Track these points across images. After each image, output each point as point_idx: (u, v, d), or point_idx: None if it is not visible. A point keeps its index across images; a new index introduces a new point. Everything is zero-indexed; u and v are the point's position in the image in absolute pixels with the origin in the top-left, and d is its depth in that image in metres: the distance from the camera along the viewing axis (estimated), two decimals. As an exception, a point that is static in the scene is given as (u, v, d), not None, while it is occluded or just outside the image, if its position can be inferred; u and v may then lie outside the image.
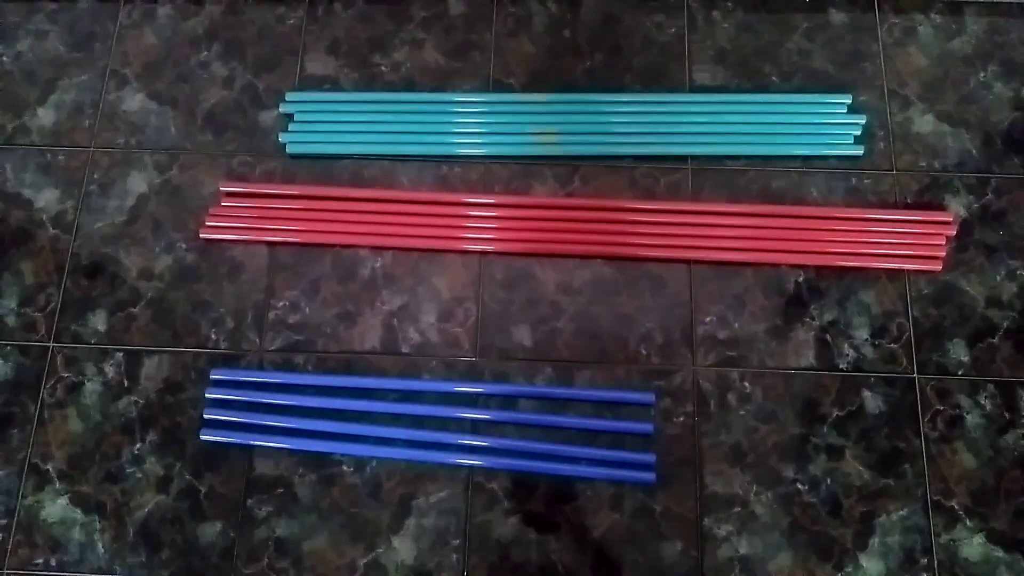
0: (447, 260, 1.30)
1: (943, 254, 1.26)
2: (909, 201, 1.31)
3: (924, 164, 1.33)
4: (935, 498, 1.17)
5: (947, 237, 1.27)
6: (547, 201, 1.32)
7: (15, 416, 1.23)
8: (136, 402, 1.23)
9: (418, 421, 1.21)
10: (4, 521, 1.19)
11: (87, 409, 1.23)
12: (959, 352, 1.23)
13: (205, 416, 1.22)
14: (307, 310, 1.27)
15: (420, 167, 1.35)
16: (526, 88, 1.39)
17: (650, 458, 1.17)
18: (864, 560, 1.14)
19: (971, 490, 1.17)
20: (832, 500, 1.17)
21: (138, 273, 1.30)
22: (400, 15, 1.44)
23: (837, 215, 1.29)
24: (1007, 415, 1.20)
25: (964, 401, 1.21)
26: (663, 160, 1.34)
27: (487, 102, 1.37)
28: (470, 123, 1.36)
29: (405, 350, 1.25)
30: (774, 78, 1.39)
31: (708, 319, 1.26)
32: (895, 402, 1.21)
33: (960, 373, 1.22)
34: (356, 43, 1.43)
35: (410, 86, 1.40)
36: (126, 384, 1.24)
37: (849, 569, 1.14)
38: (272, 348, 1.26)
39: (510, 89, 1.39)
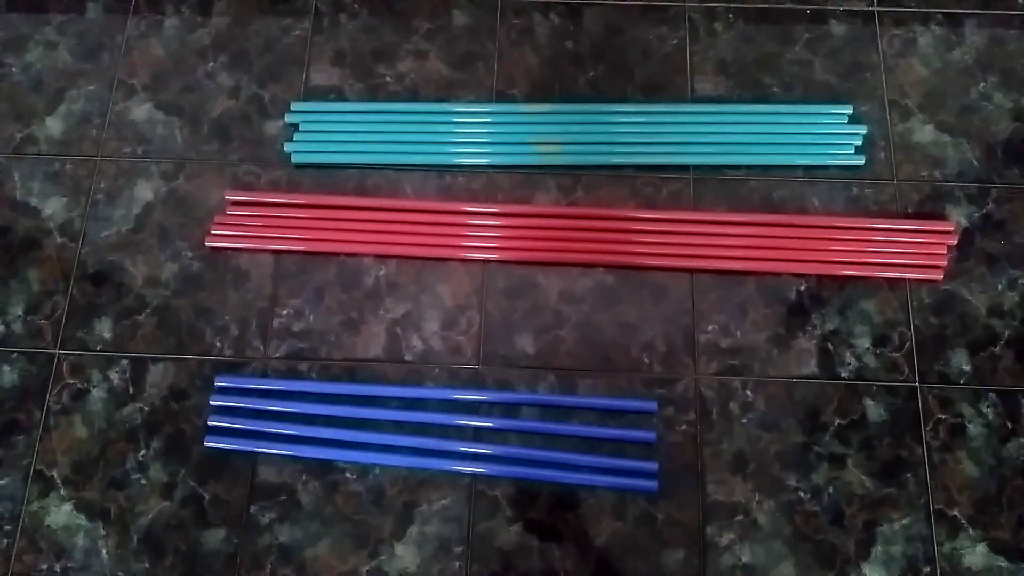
0: (450, 268, 1.30)
1: (944, 263, 1.27)
2: (910, 211, 1.32)
3: (925, 174, 1.34)
4: (937, 507, 1.17)
5: (948, 246, 1.28)
6: (550, 210, 1.33)
7: (21, 423, 1.24)
8: (141, 409, 1.24)
9: (421, 429, 1.22)
10: (9, 527, 1.19)
11: (92, 416, 1.24)
12: (961, 361, 1.24)
13: (209, 423, 1.22)
14: (311, 318, 1.28)
15: (424, 176, 1.36)
16: (529, 98, 1.40)
17: (652, 466, 1.17)
18: (867, 569, 1.14)
19: (973, 499, 1.17)
20: (834, 509, 1.17)
21: (144, 281, 1.31)
22: (404, 26, 1.46)
23: (838, 224, 1.30)
24: (1009, 424, 1.20)
25: (966, 410, 1.21)
26: (665, 170, 1.35)
27: (490, 112, 1.39)
28: (473, 133, 1.38)
29: (408, 358, 1.26)
30: (775, 89, 1.40)
31: (710, 328, 1.26)
32: (897, 411, 1.21)
33: (962, 382, 1.23)
34: (361, 54, 1.44)
35: (414, 96, 1.41)
36: (131, 391, 1.25)
37: (852, 578, 1.14)
38: (276, 356, 1.27)
39: (513, 99, 1.41)
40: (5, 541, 1.18)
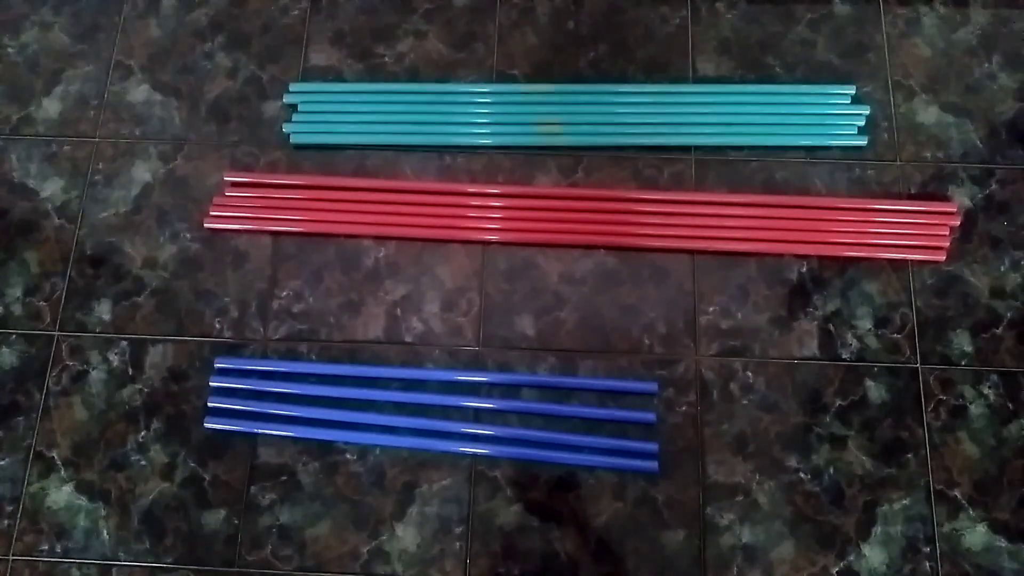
0: (450, 250, 1.30)
1: (947, 244, 1.26)
2: (913, 192, 1.31)
3: (928, 155, 1.33)
4: (938, 488, 1.17)
5: (951, 228, 1.27)
6: (550, 191, 1.32)
7: (21, 404, 1.24)
8: (141, 390, 1.24)
9: (421, 410, 1.21)
10: (10, 508, 1.19)
11: (92, 397, 1.24)
12: (962, 342, 1.23)
13: (209, 404, 1.22)
14: (311, 299, 1.28)
15: (423, 157, 1.35)
16: (530, 79, 1.39)
17: (653, 447, 1.17)
18: (866, 549, 1.14)
19: (974, 480, 1.17)
20: (835, 489, 1.17)
21: (143, 262, 1.30)
22: (404, 6, 1.45)
23: (841, 205, 1.29)
24: (1010, 405, 1.20)
25: (967, 391, 1.21)
26: (667, 151, 1.34)
27: (490, 92, 1.38)
28: (473, 113, 1.37)
29: (408, 339, 1.25)
30: (778, 69, 1.39)
31: (711, 309, 1.26)
32: (898, 392, 1.21)
33: (963, 363, 1.22)
34: (360, 34, 1.43)
35: (414, 77, 1.40)
36: (131, 373, 1.25)
37: (851, 558, 1.14)
38: (276, 337, 1.26)
39: (513, 80, 1.39)
40: (6, 522, 1.19)
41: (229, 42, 1.43)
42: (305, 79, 1.41)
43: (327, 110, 1.38)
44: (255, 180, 1.34)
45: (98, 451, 1.21)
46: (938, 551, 1.14)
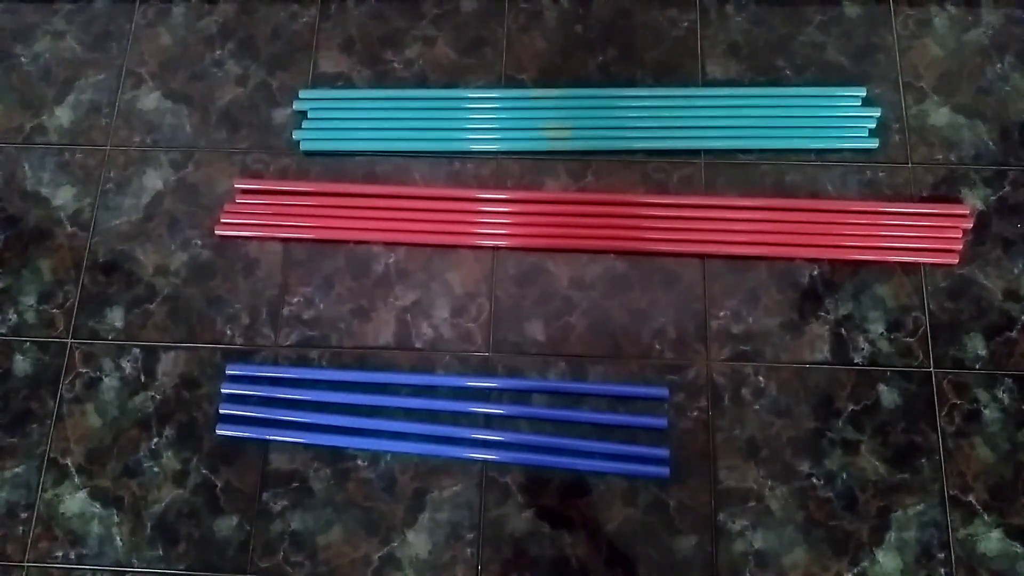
0: (460, 255, 1.30)
1: (960, 247, 1.25)
2: (925, 194, 1.30)
3: (940, 157, 1.32)
4: (952, 493, 1.16)
5: (964, 230, 1.26)
6: (560, 196, 1.32)
7: (34, 411, 1.25)
8: (153, 397, 1.24)
9: (432, 416, 1.21)
10: (24, 515, 1.20)
11: (105, 404, 1.25)
12: (976, 346, 1.22)
13: (221, 411, 1.23)
14: (321, 306, 1.28)
15: (433, 163, 1.36)
16: (538, 83, 1.39)
17: (664, 453, 1.17)
18: (880, 555, 1.13)
19: (988, 485, 1.16)
20: (848, 495, 1.16)
21: (154, 270, 1.31)
22: (412, 12, 1.45)
23: (852, 208, 1.28)
24: (1025, 409, 1.19)
25: (981, 395, 1.20)
26: (676, 154, 1.34)
27: (499, 98, 1.38)
28: (482, 119, 1.37)
29: (419, 345, 1.25)
30: (787, 71, 1.38)
31: (722, 313, 1.25)
32: (911, 396, 1.20)
33: (977, 367, 1.21)
34: (369, 40, 1.44)
35: (423, 83, 1.40)
36: (143, 380, 1.25)
37: (865, 564, 1.13)
38: (287, 344, 1.27)
39: (522, 85, 1.39)
40: (21, 529, 1.20)
41: (239, 49, 1.44)
42: (315, 85, 1.41)
43: (337, 116, 1.38)
44: (265, 187, 1.34)
45: (111, 458, 1.22)
46: (953, 557, 1.13)
